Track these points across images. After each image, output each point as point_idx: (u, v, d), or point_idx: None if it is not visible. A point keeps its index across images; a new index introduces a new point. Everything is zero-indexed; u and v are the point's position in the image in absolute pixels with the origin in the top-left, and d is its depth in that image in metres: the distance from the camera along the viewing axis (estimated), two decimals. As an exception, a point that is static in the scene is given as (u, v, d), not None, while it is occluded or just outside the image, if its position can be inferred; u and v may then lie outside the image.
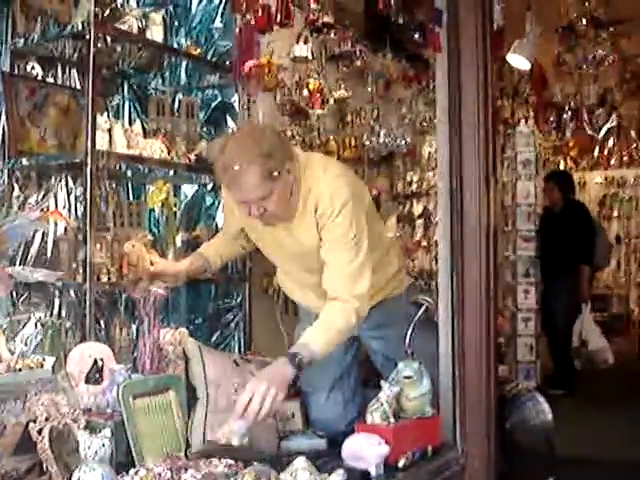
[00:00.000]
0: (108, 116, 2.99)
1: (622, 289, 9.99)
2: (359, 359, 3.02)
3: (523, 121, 6.13)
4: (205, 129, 3.67)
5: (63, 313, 2.90)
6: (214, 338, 3.64)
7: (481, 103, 2.78)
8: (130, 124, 3.29)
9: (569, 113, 8.93)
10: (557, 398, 5.85)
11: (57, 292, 2.89)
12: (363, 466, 2.33)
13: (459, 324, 2.77)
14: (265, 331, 3.67)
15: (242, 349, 3.56)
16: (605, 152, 10.46)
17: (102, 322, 3.08)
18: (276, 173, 2.38)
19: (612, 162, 10.51)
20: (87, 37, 2.82)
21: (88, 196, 2.70)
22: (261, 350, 3.41)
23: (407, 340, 2.70)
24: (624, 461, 4.39)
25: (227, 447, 2.37)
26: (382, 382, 2.52)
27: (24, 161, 3.01)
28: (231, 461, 2.21)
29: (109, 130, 2.89)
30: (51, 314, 2.78)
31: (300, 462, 2.14)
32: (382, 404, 2.47)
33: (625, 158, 10.55)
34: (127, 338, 2.95)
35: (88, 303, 2.68)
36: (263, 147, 2.37)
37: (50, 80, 3.22)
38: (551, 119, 8.77)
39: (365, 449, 2.35)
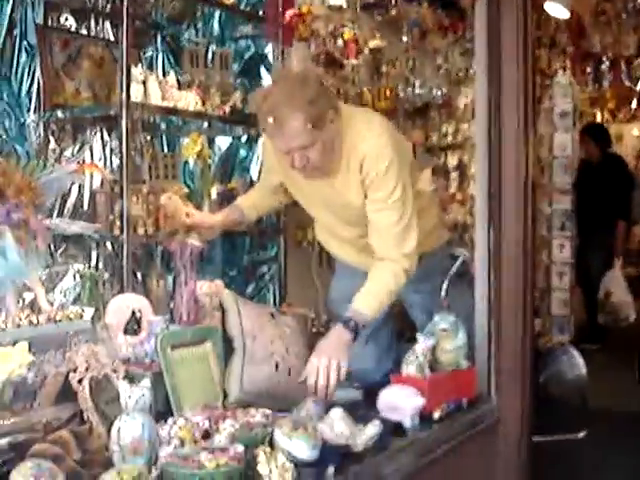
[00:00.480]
0: (142, 68, 2.97)
1: (659, 244, 9.84)
2: (394, 312, 3.03)
3: (561, 71, 5.98)
4: (239, 80, 3.64)
5: (101, 265, 2.93)
6: (249, 290, 3.67)
7: (521, 52, 2.71)
8: (164, 76, 3.27)
9: (607, 64, 8.72)
10: (590, 352, 5.86)
11: (95, 244, 2.92)
12: (398, 417, 2.34)
13: (495, 277, 2.75)
14: (300, 284, 3.68)
15: (277, 302, 3.58)
16: (644, 103, 10.20)
17: (139, 274, 3.10)
18: (320, 122, 2.35)
19: (652, 114, 10.24)
20: (119, -13, 2.79)
21: (124, 148, 2.70)
22: (296, 302, 3.43)
23: (443, 292, 2.69)
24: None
25: (263, 397, 2.41)
26: (418, 334, 2.52)
27: (59, 113, 3.01)
28: (268, 410, 2.23)
29: (143, 82, 2.88)
30: (89, 266, 2.80)
31: (336, 413, 2.16)
32: (417, 356, 2.48)
33: (665, 109, 10.28)
34: (164, 290, 2.97)
35: (125, 255, 2.70)
36: (307, 93, 2.32)
37: (84, 32, 3.21)
38: (588, 70, 8.57)
39: (400, 400, 2.37)
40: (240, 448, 1.90)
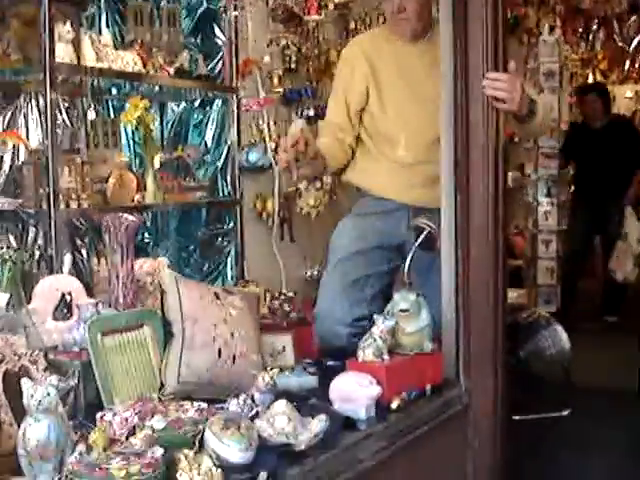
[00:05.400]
0: (72, 25, 2.67)
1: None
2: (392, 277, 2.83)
3: (547, 28, 5.68)
4: (191, 39, 3.35)
5: (29, 244, 2.68)
6: (206, 267, 3.41)
7: (490, 9, 2.43)
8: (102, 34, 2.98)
9: (597, 22, 8.44)
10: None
11: (21, 222, 2.66)
12: (353, 408, 2.12)
13: (464, 250, 2.50)
14: (260, 258, 3.44)
15: (235, 277, 3.33)
16: (636, 65, 9.99)
17: (75, 252, 2.85)
18: None
19: (644, 76, 10.00)
20: None
21: (49, 114, 2.43)
22: (256, 278, 3.19)
23: (405, 270, 2.46)
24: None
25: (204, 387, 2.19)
26: (375, 316, 2.29)
27: (-15, 77, 2.74)
28: (204, 405, 2.00)
29: (74, 41, 2.59)
30: (8, 246, 2.55)
31: (280, 406, 1.93)
32: (375, 339, 2.25)
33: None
34: (105, 268, 2.72)
35: (53, 232, 2.44)
36: None
37: (11, -12, 2.91)
38: (579, 30, 8.30)
39: (355, 390, 2.13)
40: (159, 452, 1.67)
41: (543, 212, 5.43)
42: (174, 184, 2.92)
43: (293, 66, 3.54)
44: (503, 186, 2.52)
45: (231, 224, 3.36)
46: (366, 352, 2.23)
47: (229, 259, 3.36)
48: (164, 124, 3.32)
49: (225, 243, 3.39)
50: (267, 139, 3.30)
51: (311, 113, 3.60)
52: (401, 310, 2.31)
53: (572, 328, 4.16)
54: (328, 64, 3.76)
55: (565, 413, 3.79)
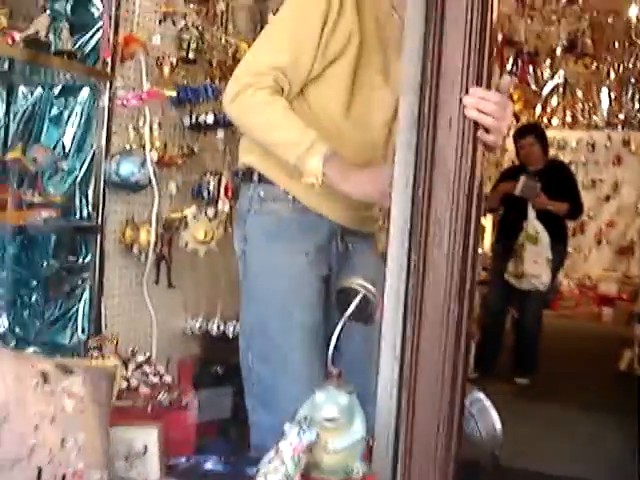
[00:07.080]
0: None
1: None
2: None
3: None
4: (56, 2, 2.49)
5: None
6: (50, 312, 2.53)
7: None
8: None
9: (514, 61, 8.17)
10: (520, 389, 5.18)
11: None
12: None
13: (414, 328, 1.77)
14: (124, 306, 2.61)
15: (88, 329, 2.47)
16: (548, 110, 9.84)
17: None
18: None
19: (554, 122, 9.87)
20: None
21: None
22: (117, 333, 2.38)
23: (330, 352, 1.72)
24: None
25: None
26: (286, 425, 1.53)
27: None
28: None
29: None
30: None
31: None
32: (284, 462, 1.49)
33: (568, 119, 9.95)
34: None
35: None
36: None
37: None
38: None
39: None
40: None
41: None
42: (9, 198, 2.06)
43: (191, 56, 2.73)
44: (474, 246, 1.82)
45: (88, 257, 2.49)
46: (270, 481, 1.47)
47: (82, 304, 2.48)
48: (10, 115, 2.45)
49: (79, 282, 2.50)
50: (148, 147, 2.49)
51: (209, 120, 2.79)
52: (327, 419, 1.56)
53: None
54: (236, 60, 2.97)
55: (489, 509, 3.16)
